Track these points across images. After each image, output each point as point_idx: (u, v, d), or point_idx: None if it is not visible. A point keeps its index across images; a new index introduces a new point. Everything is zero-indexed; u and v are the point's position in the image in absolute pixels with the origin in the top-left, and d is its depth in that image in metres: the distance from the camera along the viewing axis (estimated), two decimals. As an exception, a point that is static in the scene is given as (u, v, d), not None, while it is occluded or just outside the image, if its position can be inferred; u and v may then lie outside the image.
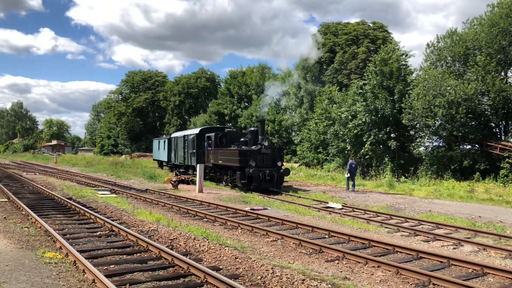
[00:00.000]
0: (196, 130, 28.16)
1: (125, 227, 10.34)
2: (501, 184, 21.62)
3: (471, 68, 25.02)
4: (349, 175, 21.84)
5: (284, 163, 26.57)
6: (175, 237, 9.51)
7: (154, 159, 42.30)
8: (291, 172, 24.45)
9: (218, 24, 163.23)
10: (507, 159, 22.77)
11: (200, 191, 19.57)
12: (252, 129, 22.20)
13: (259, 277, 6.72)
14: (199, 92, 68.85)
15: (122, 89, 79.42)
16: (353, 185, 21.55)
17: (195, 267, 6.87)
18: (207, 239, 9.29)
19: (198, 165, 20.36)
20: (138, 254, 8.19)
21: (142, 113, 75.08)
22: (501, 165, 23.02)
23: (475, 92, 23.84)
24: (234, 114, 52.21)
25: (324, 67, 45.05)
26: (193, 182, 22.52)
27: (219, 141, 24.07)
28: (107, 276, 6.46)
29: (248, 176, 19.76)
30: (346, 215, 13.85)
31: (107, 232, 10.12)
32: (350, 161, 22.60)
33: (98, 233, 9.96)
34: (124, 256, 8.02)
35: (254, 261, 7.53)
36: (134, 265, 7.33)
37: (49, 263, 7.25)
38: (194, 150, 26.83)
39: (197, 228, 10.57)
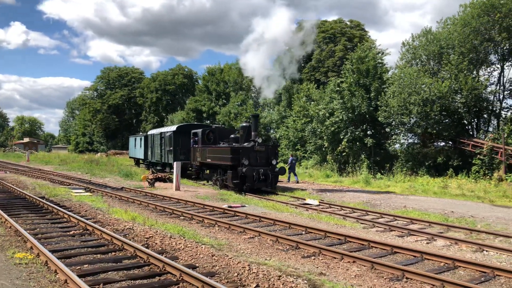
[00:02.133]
0: (173, 127, 27.90)
1: (99, 226, 10.15)
2: (473, 180, 22.19)
3: (444, 66, 25.55)
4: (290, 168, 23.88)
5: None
6: (151, 235, 9.39)
7: (130, 157, 41.74)
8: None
9: (196, 20, 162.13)
10: (478, 156, 23.38)
11: (177, 189, 19.40)
12: (243, 124, 20.41)
13: (236, 274, 6.69)
14: (177, 89, 68.21)
15: (98, 85, 77.97)
16: (296, 176, 23.78)
17: (170, 265, 6.79)
18: (184, 237, 9.21)
19: (175, 163, 20.19)
20: (113, 253, 8.05)
21: (118, 110, 73.88)
22: (473, 162, 23.63)
23: (449, 90, 24.37)
24: (212, 111, 51.91)
25: (302, 64, 45.26)
26: (170, 180, 22.31)
27: (207, 138, 22.84)
28: (80, 276, 6.33)
29: (241, 175, 18.40)
30: (323, 211, 13.96)
31: (81, 231, 9.91)
32: (290, 157, 25.04)
33: (71, 233, 9.74)
34: (98, 255, 7.87)
35: (231, 258, 7.50)
36: (108, 265, 7.21)
37: (19, 264, 7.04)
38: (171, 148, 26.57)
39: (173, 226, 10.46)
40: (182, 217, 12.44)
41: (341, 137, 29.23)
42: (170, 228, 10.18)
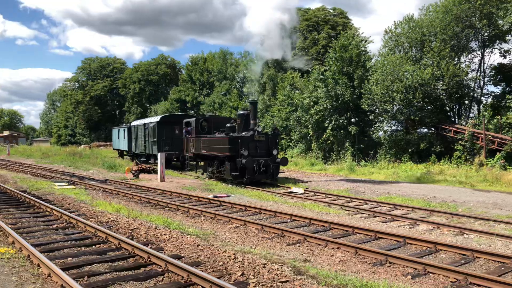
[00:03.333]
0: (157, 118, 27.67)
1: (83, 218, 10.04)
2: (455, 166, 22.58)
3: (427, 53, 25.76)
4: None
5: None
6: (135, 227, 9.34)
7: (114, 149, 41.31)
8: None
9: (178, 8, 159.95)
10: (460, 142, 23.77)
11: (162, 180, 19.30)
12: (241, 112, 19.14)
13: (221, 263, 6.71)
14: (160, 79, 67.52)
15: (79, 76, 76.67)
16: None
17: (156, 256, 6.78)
18: (169, 228, 9.19)
19: (159, 154, 20.04)
20: (97, 246, 7.99)
21: (100, 101, 72.85)
22: (455, 147, 24.01)
23: (431, 77, 24.60)
24: (196, 101, 51.61)
25: (286, 53, 45.15)
26: (155, 171, 22.18)
27: (201, 128, 21.57)
28: (63, 269, 6.27)
29: (240, 167, 17.25)
30: (308, 199, 14.06)
31: (64, 224, 9.80)
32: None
33: (54, 226, 9.62)
34: (83, 248, 7.81)
35: (216, 247, 7.52)
36: (92, 257, 7.16)
37: (1, 258, 6.94)
38: (155, 139, 26.35)
39: (158, 217, 10.43)
40: (167, 208, 12.39)
41: (326, 126, 29.36)
42: (155, 219, 10.14)
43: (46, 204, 11.91)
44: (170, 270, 6.35)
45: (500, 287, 5.75)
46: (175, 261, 6.40)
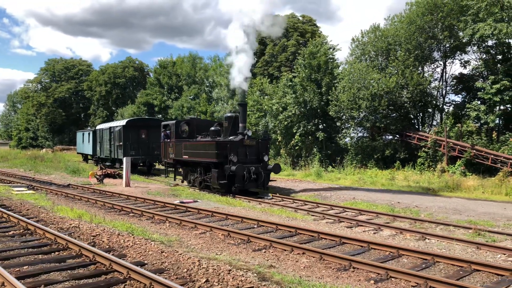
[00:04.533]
0: (123, 122, 27.16)
1: (42, 225, 9.67)
2: (418, 172, 23.22)
3: (392, 62, 26.47)
4: None
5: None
6: (98, 233, 9.06)
7: (78, 153, 40.23)
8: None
9: (148, 10, 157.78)
10: (423, 148, 24.49)
11: (127, 185, 18.90)
12: (228, 114, 17.83)
13: (185, 270, 6.60)
14: (127, 82, 66.27)
15: (42, 78, 74.09)
16: None
17: (117, 263, 6.60)
18: (133, 234, 8.97)
19: (124, 158, 19.62)
20: (56, 253, 7.71)
21: (64, 104, 70.68)
22: (419, 154, 24.72)
23: (396, 86, 25.28)
24: (164, 105, 50.93)
25: (255, 59, 45.35)
26: (120, 176, 21.68)
27: (181, 131, 19.98)
28: (18, 278, 5.99)
29: (229, 174, 15.89)
30: (276, 204, 14.09)
31: (21, 231, 9.39)
32: None
33: (10, 233, 9.21)
34: (40, 256, 7.50)
35: (180, 254, 7.39)
36: (51, 265, 6.89)
37: (-50, 267, 6.55)
38: (121, 143, 25.80)
39: (122, 223, 10.18)
40: (131, 214, 12.12)
41: (294, 131, 29.62)
42: (118, 226, 9.89)
43: (2, 209, 11.39)
44: (132, 277, 6.18)
45: (458, 290, 5.90)
46: (138, 268, 6.25)
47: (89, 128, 45.09)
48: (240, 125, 16.83)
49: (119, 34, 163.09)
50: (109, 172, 22.73)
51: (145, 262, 7.11)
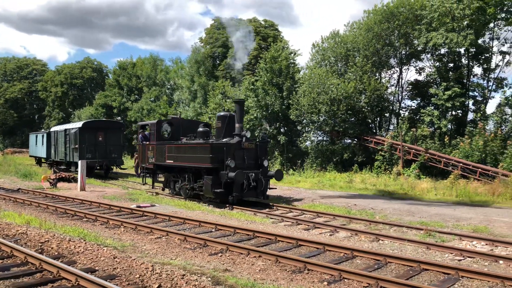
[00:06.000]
0: (79, 124, 26.29)
1: (-14, 231, 9.15)
2: (375, 175, 23.85)
3: (351, 68, 27.13)
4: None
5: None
6: (47, 239, 8.67)
7: (31, 156, 38.56)
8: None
9: (108, 9, 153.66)
10: (380, 152, 25.18)
11: (82, 189, 18.27)
12: (222, 114, 15.71)
13: (138, 275, 6.42)
14: (85, 83, 64.34)
15: (-8, 77, 70.73)
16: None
17: (66, 270, 6.35)
18: (84, 240, 8.64)
19: (80, 161, 18.98)
20: (0, 261, 7.30)
21: (17, 105, 67.66)
22: (376, 157, 25.40)
23: (354, 91, 25.91)
24: (123, 107, 49.79)
25: (218, 62, 45.22)
26: (75, 180, 20.94)
27: (166, 132, 17.89)
28: (-45, 289, 5.62)
29: (226, 182, 13.99)
30: (235, 207, 14.00)
31: (-38, 238, 8.84)
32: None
33: (-50, 240, 8.63)
34: (-19, 264, 7.08)
35: (134, 260, 7.18)
36: (-8, 274, 6.50)
37: None
38: (77, 145, 24.93)
39: (74, 229, 9.80)
40: (84, 219, 11.71)
41: (256, 135, 29.70)
42: (69, 231, 9.51)
43: None
44: (81, 285, 5.97)
45: (408, 289, 6.06)
46: (87, 275, 6.03)
47: (43, 130, 43.33)
48: (237, 125, 14.87)
49: (77, 33, 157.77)
50: (63, 175, 21.92)
51: (96, 268, 6.87)
